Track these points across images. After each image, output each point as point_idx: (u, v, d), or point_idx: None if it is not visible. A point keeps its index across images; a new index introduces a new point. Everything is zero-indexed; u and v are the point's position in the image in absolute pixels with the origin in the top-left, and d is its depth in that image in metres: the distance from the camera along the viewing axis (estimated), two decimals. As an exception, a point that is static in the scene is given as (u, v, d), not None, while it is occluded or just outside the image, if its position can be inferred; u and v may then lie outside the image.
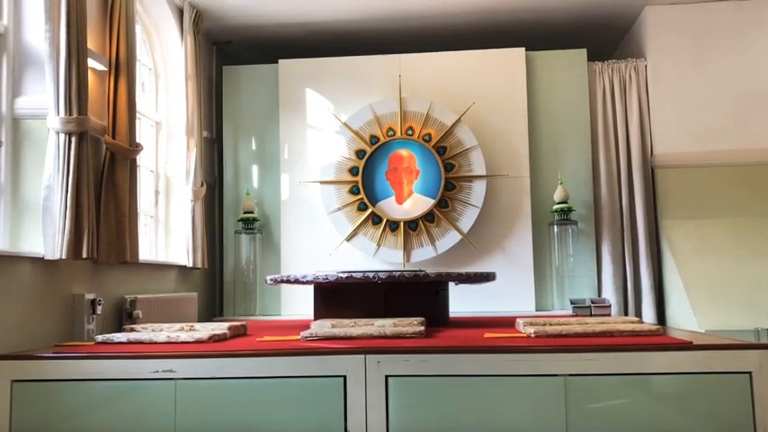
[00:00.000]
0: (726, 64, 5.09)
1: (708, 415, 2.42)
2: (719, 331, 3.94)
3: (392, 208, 5.03)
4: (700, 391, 2.43)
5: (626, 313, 4.99)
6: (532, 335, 2.78)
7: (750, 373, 2.42)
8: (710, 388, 2.43)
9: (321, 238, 5.12)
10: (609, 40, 5.86)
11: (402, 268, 4.86)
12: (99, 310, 3.44)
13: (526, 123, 5.13)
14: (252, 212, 5.18)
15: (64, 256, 3.07)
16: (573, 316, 4.21)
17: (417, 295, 3.64)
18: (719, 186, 4.97)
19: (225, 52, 5.83)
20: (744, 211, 4.85)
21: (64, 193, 3.10)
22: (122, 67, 3.67)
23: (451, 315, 3.94)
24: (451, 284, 3.99)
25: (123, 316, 3.77)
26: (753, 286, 4.58)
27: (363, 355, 2.53)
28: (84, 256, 3.15)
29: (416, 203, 5.02)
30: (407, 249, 4.99)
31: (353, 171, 5.05)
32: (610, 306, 4.54)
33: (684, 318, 4.70)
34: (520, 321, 3.08)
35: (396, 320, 3.03)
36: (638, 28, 5.42)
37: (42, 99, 3.20)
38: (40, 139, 3.23)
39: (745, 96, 5.03)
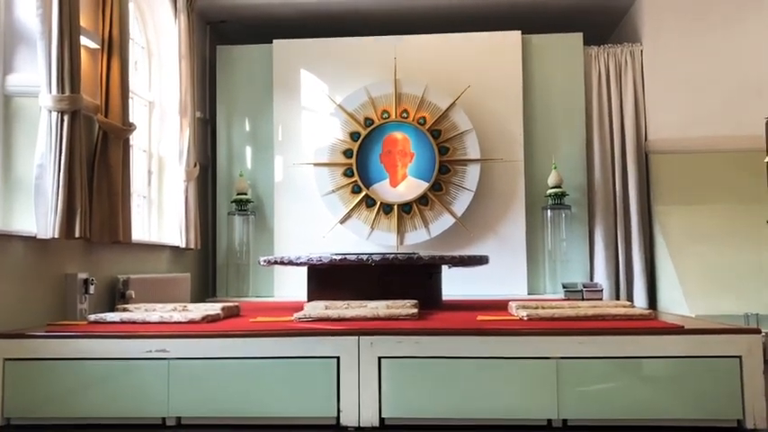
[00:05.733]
0: (721, 50, 5.07)
1: (698, 398, 2.44)
2: (710, 316, 3.97)
3: (386, 191, 5.02)
4: (690, 375, 2.45)
5: (618, 297, 5.02)
6: (525, 318, 2.79)
7: (740, 357, 2.44)
8: (701, 371, 2.45)
9: (315, 220, 5.11)
10: (605, 25, 5.84)
11: (396, 251, 4.86)
12: (91, 289, 3.43)
13: (521, 107, 5.11)
14: (245, 194, 5.16)
15: (56, 236, 3.05)
16: (565, 299, 4.23)
17: (411, 278, 3.65)
18: (713, 172, 4.98)
19: (219, 32, 5.77)
20: (736, 198, 4.87)
21: (56, 172, 3.07)
22: (115, 46, 3.63)
23: (444, 298, 3.95)
24: (445, 267, 4.00)
25: (116, 296, 3.76)
26: (743, 272, 4.61)
27: (357, 337, 2.53)
28: (77, 235, 3.14)
29: (410, 186, 5.01)
30: (401, 232, 4.99)
31: (348, 153, 5.03)
32: (602, 290, 4.57)
33: (676, 302, 4.73)
34: (513, 304, 3.09)
35: (389, 303, 3.04)
36: (635, 12, 5.40)
37: (34, 77, 3.16)
38: (32, 117, 3.20)
39: (739, 83, 5.03)
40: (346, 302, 3.08)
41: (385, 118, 5.04)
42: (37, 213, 3.08)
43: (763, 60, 5.02)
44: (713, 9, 5.11)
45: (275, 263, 3.68)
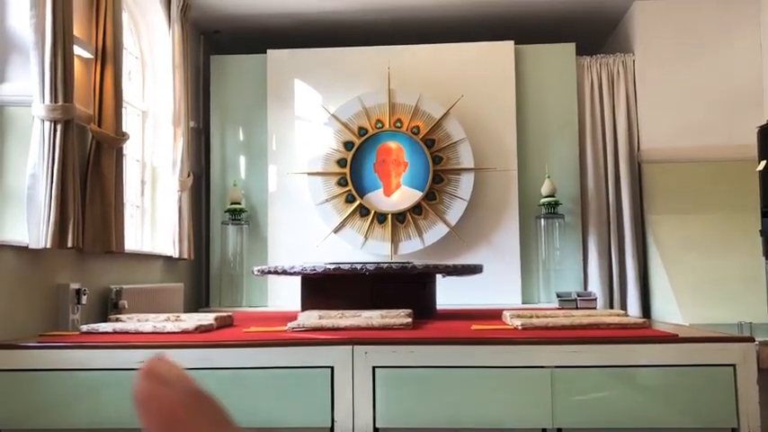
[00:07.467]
0: (713, 60, 5.12)
1: (692, 407, 2.44)
2: (703, 325, 3.97)
3: (380, 200, 5.02)
4: (684, 384, 2.45)
5: (611, 306, 5.02)
6: (520, 327, 2.78)
7: (734, 365, 2.44)
8: (695, 380, 2.45)
9: (308, 229, 5.10)
10: (597, 35, 5.87)
11: (389, 260, 4.86)
12: (84, 299, 3.41)
13: (514, 117, 5.13)
14: (239, 203, 5.16)
15: (49, 246, 3.03)
16: (559, 308, 4.23)
17: (405, 287, 3.64)
18: (705, 182, 5.01)
19: (213, 41, 5.78)
20: (728, 207, 4.89)
21: (49, 182, 3.06)
22: (109, 55, 3.63)
23: (439, 307, 3.94)
24: (439, 277, 4.00)
25: (108, 306, 3.74)
26: (736, 281, 4.63)
27: (351, 346, 2.52)
28: (70, 245, 3.12)
29: (404, 196, 5.01)
30: (395, 242, 4.98)
31: (341, 163, 5.03)
32: (596, 299, 4.55)
33: (669, 311, 4.74)
34: (507, 313, 3.08)
35: (383, 312, 3.03)
36: (627, 23, 5.44)
37: (27, 86, 3.15)
38: (24, 126, 3.19)
39: (730, 93, 5.07)
40: (340, 312, 3.07)
41: (379, 127, 5.04)
42: (29, 223, 3.07)
43: (754, 70, 5.06)
44: (705, 20, 5.15)
45: (269, 272, 3.67)
